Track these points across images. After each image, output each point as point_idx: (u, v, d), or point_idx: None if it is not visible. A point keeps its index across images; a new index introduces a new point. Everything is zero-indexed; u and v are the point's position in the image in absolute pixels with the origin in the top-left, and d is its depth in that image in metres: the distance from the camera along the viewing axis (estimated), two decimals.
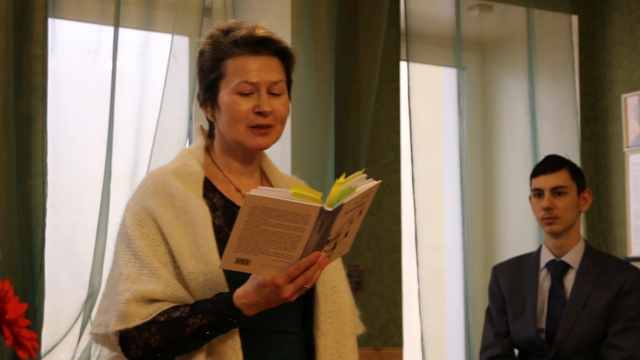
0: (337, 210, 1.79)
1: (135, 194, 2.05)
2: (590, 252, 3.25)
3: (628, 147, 4.29)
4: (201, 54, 2.09)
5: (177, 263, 1.96)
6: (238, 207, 2.03)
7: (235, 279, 1.93)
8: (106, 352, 3.17)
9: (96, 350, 3.16)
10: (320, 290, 2.08)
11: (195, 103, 3.54)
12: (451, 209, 4.29)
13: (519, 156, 4.28)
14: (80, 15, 3.35)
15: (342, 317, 2.10)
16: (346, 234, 1.91)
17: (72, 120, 3.28)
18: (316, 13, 3.67)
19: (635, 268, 3.24)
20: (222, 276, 1.94)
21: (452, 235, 4.29)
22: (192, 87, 3.38)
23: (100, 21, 3.33)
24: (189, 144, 3.61)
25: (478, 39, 4.43)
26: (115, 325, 1.94)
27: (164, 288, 1.93)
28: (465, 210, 4.13)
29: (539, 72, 4.28)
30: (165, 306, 1.94)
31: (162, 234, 1.97)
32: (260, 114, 2.02)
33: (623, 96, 4.33)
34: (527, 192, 3.49)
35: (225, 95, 2.03)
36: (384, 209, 3.95)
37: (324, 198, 1.81)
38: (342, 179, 1.82)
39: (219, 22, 2.12)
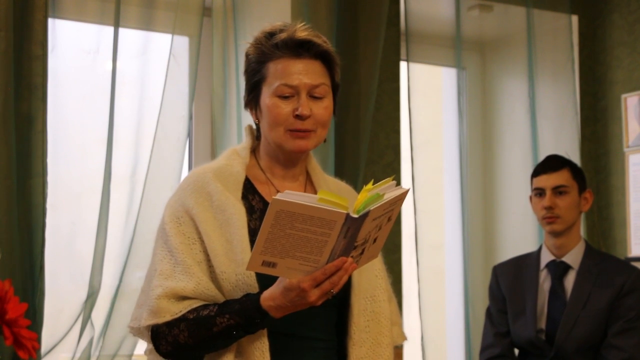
0: (364, 217, 1.80)
1: (177, 191, 2.08)
2: (590, 253, 3.25)
3: (628, 147, 4.29)
4: (246, 56, 2.11)
5: (211, 262, 1.98)
6: None
7: (267, 280, 1.94)
8: (105, 352, 3.19)
9: (96, 350, 3.16)
10: (355, 299, 2.08)
11: (196, 103, 3.54)
12: (451, 209, 4.29)
13: (519, 156, 4.28)
14: (80, 15, 3.35)
15: (380, 327, 2.10)
16: (375, 240, 1.91)
17: (72, 120, 3.28)
18: (316, 13, 3.67)
19: (635, 268, 3.24)
20: (253, 277, 1.96)
21: (452, 235, 4.29)
22: (192, 87, 3.38)
23: (100, 21, 3.33)
24: (189, 144, 3.62)
25: (478, 39, 4.43)
26: (146, 320, 1.97)
27: (196, 286, 1.96)
28: (465, 210, 4.13)
29: (539, 72, 4.28)
30: (196, 304, 1.96)
31: (199, 232, 2.00)
32: (299, 117, 2.02)
33: (623, 96, 4.33)
34: (527, 192, 3.49)
35: (266, 98, 2.05)
36: None
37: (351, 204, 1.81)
38: (369, 185, 1.83)
39: (265, 25, 2.12)
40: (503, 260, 3.53)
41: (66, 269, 3.24)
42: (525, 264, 3.32)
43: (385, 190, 1.84)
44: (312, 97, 2.04)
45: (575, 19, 4.44)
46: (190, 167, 3.68)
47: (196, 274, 1.96)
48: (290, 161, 2.11)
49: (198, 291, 1.96)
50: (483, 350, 3.34)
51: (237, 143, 3.51)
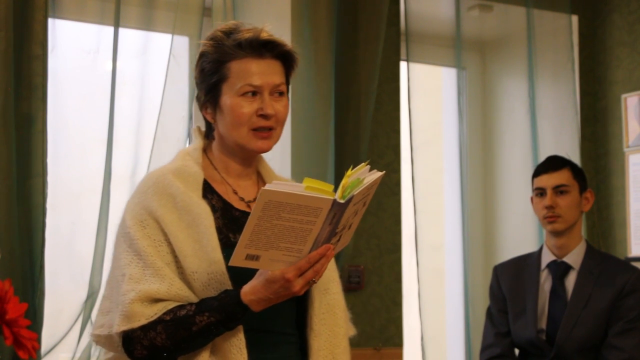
0: (348, 201, 1.81)
1: (135, 194, 2.05)
2: (591, 253, 3.24)
3: (628, 147, 4.29)
4: (202, 55, 2.09)
5: (179, 263, 1.97)
6: (236, 209, 2.06)
7: (239, 277, 1.94)
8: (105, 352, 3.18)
9: (96, 350, 3.16)
10: (315, 291, 2.09)
11: (195, 103, 3.54)
12: (451, 209, 4.29)
13: (519, 156, 4.28)
14: (80, 15, 3.35)
15: (335, 318, 2.11)
16: (349, 226, 1.93)
17: (72, 120, 3.28)
18: (316, 13, 3.67)
19: (636, 269, 3.24)
20: (226, 275, 1.95)
21: (452, 235, 4.29)
22: (192, 87, 3.38)
23: (100, 21, 3.33)
24: (189, 144, 3.61)
25: (478, 39, 4.43)
26: (120, 326, 1.94)
27: (169, 287, 1.94)
28: (465, 210, 4.13)
29: (539, 72, 4.28)
30: (170, 305, 1.95)
31: (165, 234, 1.98)
32: (264, 116, 2.03)
33: (623, 96, 4.33)
34: (527, 192, 3.49)
35: (228, 98, 2.04)
36: (384, 209, 3.95)
37: (334, 191, 1.83)
38: (349, 171, 1.84)
39: (219, 24, 2.12)
40: (503, 260, 3.53)
41: (66, 269, 3.24)
42: (526, 264, 3.32)
43: (362, 174, 1.86)
44: (273, 96, 2.06)
45: (575, 19, 4.44)
46: None
47: (168, 275, 1.95)
48: (247, 160, 2.12)
49: (172, 292, 1.94)
50: (483, 350, 3.34)
51: None
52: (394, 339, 3.92)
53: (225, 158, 2.11)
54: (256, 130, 2.05)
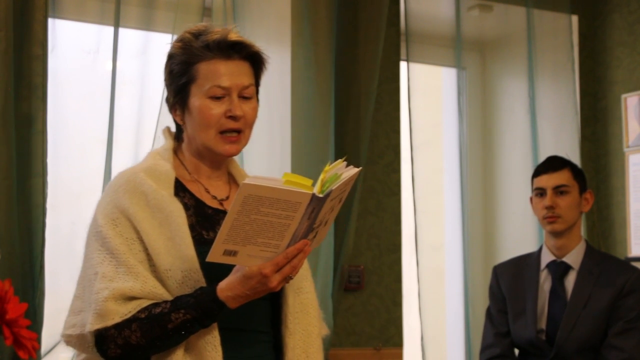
0: (327, 196, 1.82)
1: (107, 193, 2.05)
2: (591, 253, 3.24)
3: (628, 147, 4.29)
4: (171, 57, 2.09)
5: (152, 261, 1.96)
6: (209, 207, 2.06)
7: (213, 274, 1.94)
8: None
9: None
10: (289, 290, 2.09)
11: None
12: (451, 209, 4.29)
13: (519, 156, 4.28)
14: (80, 15, 3.35)
15: (309, 317, 2.11)
16: (325, 222, 1.93)
17: (72, 120, 3.28)
18: (316, 13, 3.67)
19: (636, 269, 3.24)
20: (200, 273, 1.95)
21: (452, 235, 4.29)
22: None
23: (100, 21, 3.33)
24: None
25: (478, 39, 4.43)
26: (93, 325, 1.92)
27: (143, 285, 1.93)
28: (465, 210, 4.13)
29: (539, 72, 4.28)
30: (145, 303, 1.94)
31: (137, 232, 1.97)
32: (233, 118, 2.03)
33: (623, 96, 4.33)
34: (527, 192, 3.48)
35: (196, 100, 2.04)
36: (384, 209, 3.95)
37: (313, 185, 1.84)
38: (327, 166, 1.85)
39: (188, 26, 2.11)
40: (503, 260, 3.53)
41: (66, 269, 3.24)
42: (526, 264, 3.32)
43: (340, 170, 1.86)
44: (242, 97, 2.05)
45: (575, 19, 4.44)
46: None
47: (141, 273, 1.94)
48: (216, 162, 2.12)
49: (146, 290, 1.93)
50: (483, 350, 3.34)
51: None
52: (394, 339, 3.92)
53: (195, 159, 2.11)
54: (224, 133, 2.04)
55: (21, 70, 3.09)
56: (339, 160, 1.87)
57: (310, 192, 1.80)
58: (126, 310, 1.92)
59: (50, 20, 3.18)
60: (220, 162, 2.13)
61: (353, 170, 1.88)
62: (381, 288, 3.91)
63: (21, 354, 1.38)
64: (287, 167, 3.63)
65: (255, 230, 1.83)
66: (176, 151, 2.13)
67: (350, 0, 3.81)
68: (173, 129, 2.16)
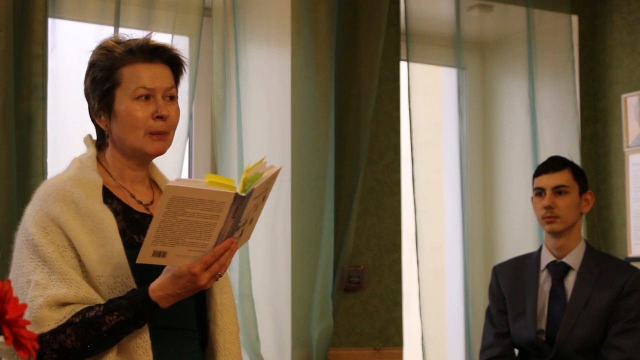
0: (249, 195, 1.87)
1: (35, 202, 2.07)
2: (590, 253, 3.24)
3: (628, 147, 4.29)
4: (93, 65, 2.14)
5: (84, 267, 2.00)
6: (136, 212, 2.11)
7: (145, 279, 1.98)
8: None
9: None
10: (216, 289, 2.15)
11: (196, 103, 3.54)
12: (451, 209, 4.29)
13: (519, 156, 4.28)
14: (80, 15, 3.35)
15: (230, 316, 2.18)
16: (251, 221, 1.98)
17: (72, 120, 3.28)
18: (316, 13, 3.67)
19: (635, 269, 3.24)
20: (131, 278, 2.00)
21: (452, 235, 4.29)
22: (192, 86, 3.37)
23: (100, 21, 3.33)
24: (189, 144, 3.61)
25: (478, 39, 4.43)
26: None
27: (77, 291, 1.97)
28: (465, 210, 4.13)
29: (539, 72, 4.28)
30: (78, 308, 1.97)
31: (69, 239, 2.00)
32: (160, 118, 2.08)
33: (623, 96, 4.33)
34: (527, 192, 3.49)
35: (122, 103, 2.09)
36: (384, 209, 3.95)
37: (235, 185, 1.89)
38: (249, 166, 1.90)
39: (105, 38, 2.17)
40: (503, 260, 3.53)
41: None
42: (526, 264, 3.32)
43: (262, 169, 1.92)
44: (165, 99, 2.11)
45: (575, 19, 4.44)
46: (190, 167, 3.68)
47: (75, 279, 1.97)
48: (141, 165, 2.17)
49: (79, 296, 1.97)
50: (483, 350, 3.34)
51: (237, 143, 3.51)
52: (394, 339, 3.92)
53: (120, 165, 2.15)
54: (152, 133, 2.09)
55: (21, 70, 3.09)
56: (260, 160, 1.93)
57: (233, 192, 1.85)
58: (61, 316, 1.96)
59: (50, 20, 3.18)
60: (145, 165, 2.18)
61: (274, 169, 1.94)
62: (381, 288, 3.91)
63: (21, 354, 1.38)
64: (287, 167, 3.63)
65: (182, 230, 1.88)
66: (99, 158, 2.17)
67: (350, 0, 3.81)
68: (94, 136, 2.22)
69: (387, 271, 3.94)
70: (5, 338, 1.37)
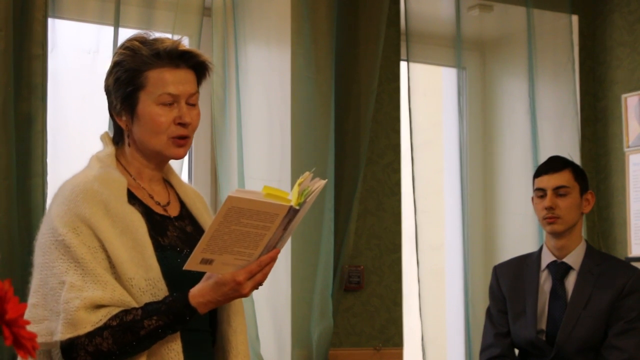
0: (301, 207, 1.91)
1: (62, 202, 2.05)
2: (591, 253, 3.24)
3: (628, 147, 4.29)
4: (117, 64, 2.11)
5: (115, 269, 2.00)
6: (157, 214, 2.12)
7: (176, 283, 2.00)
8: None
9: None
10: None
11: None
12: (451, 209, 4.29)
13: (519, 156, 4.28)
14: (80, 15, 3.35)
15: (242, 318, 2.20)
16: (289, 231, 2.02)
17: (72, 120, 3.28)
18: (316, 13, 3.67)
19: (636, 269, 3.24)
20: (163, 282, 2.01)
21: (452, 235, 4.29)
22: None
23: (100, 21, 3.33)
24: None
25: (478, 39, 4.43)
26: (64, 334, 1.95)
27: (112, 294, 1.97)
28: (465, 210, 4.13)
29: (539, 72, 4.28)
30: (114, 311, 1.97)
31: (99, 241, 2.00)
32: (182, 125, 2.09)
33: (623, 96, 4.33)
34: (527, 192, 3.48)
35: (146, 107, 2.09)
36: (384, 209, 3.95)
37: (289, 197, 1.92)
38: (301, 179, 1.93)
39: (135, 34, 2.15)
40: (503, 260, 3.53)
41: None
42: (526, 264, 3.32)
43: (308, 182, 1.95)
44: (188, 105, 2.11)
45: (575, 19, 4.44)
46: (190, 167, 3.68)
47: (109, 282, 1.98)
48: (160, 165, 2.19)
49: (115, 299, 1.97)
50: (483, 350, 3.34)
51: (237, 143, 3.51)
52: (394, 339, 3.92)
53: (139, 164, 2.16)
54: (175, 138, 2.10)
55: (21, 70, 3.09)
56: (307, 173, 1.96)
57: (289, 204, 1.88)
58: (97, 319, 1.96)
59: (50, 20, 3.18)
60: (163, 165, 2.20)
61: (321, 183, 1.96)
62: (381, 288, 3.91)
63: (21, 354, 1.38)
64: (287, 167, 3.63)
65: (233, 239, 1.90)
66: (117, 156, 2.17)
67: (350, 0, 3.81)
68: (111, 133, 2.21)
69: (387, 271, 3.94)
70: (5, 338, 1.37)
